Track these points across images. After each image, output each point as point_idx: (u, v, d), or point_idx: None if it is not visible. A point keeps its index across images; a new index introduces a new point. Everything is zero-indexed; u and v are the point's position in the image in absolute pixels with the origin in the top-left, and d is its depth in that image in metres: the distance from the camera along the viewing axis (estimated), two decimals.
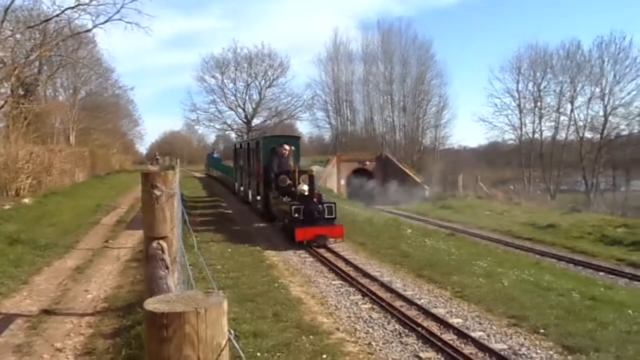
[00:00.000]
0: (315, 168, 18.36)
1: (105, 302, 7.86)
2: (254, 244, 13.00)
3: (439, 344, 6.48)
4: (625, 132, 44.82)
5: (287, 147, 16.55)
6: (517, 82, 49.19)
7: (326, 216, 13.10)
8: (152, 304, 1.35)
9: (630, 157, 42.97)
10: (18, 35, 28.92)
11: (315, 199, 13.27)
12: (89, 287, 8.80)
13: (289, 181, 15.08)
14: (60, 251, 11.78)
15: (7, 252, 10.78)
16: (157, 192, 3.36)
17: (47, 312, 7.43)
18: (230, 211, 20.40)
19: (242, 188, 23.19)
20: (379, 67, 59.79)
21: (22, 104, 25.40)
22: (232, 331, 1.42)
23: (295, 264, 11.20)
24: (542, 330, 6.92)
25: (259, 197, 18.17)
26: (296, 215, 12.93)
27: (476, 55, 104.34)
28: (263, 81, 61.95)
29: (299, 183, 14.25)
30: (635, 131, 44.30)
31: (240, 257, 11.45)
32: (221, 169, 38.64)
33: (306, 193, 13.40)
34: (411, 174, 44.49)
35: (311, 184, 13.47)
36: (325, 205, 13.27)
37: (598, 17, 79.15)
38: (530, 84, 48.62)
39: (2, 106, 24.82)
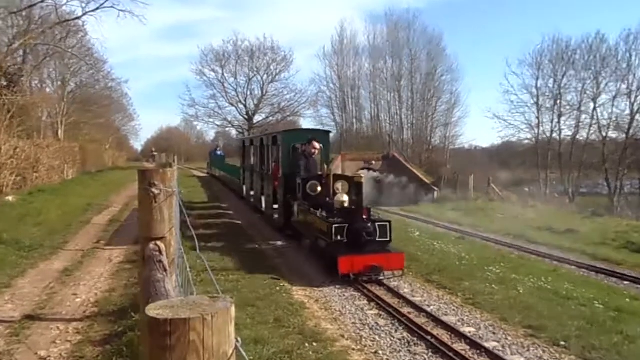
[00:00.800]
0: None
1: (96, 307, 7.84)
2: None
3: (450, 354, 6.44)
4: None
5: (317, 145, 13.67)
6: (537, 79, 49.01)
7: (378, 238, 10.06)
8: (155, 310, 1.32)
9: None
10: (0, 22, 28.89)
11: (363, 215, 10.20)
12: (77, 291, 8.79)
13: (320, 189, 12.45)
14: (46, 252, 11.78)
15: None
16: (155, 191, 3.34)
17: (30, 317, 7.40)
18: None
19: (252, 192, 20.40)
20: (387, 62, 59.73)
21: (5, 95, 25.35)
22: (239, 339, 1.39)
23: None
24: (562, 343, 6.87)
25: (276, 206, 15.35)
26: (338, 237, 9.95)
27: (489, 49, 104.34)
28: (265, 76, 61.87)
29: (336, 191, 11.84)
30: None
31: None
32: (226, 169, 36.17)
33: (346, 204, 10.89)
34: (420, 175, 44.47)
35: (358, 193, 10.35)
36: (377, 224, 10.16)
37: (625, 9, 78.89)
38: (551, 81, 48.40)
39: None
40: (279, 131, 19.37)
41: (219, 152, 46.89)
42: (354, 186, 10.67)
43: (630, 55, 44.48)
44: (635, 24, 61.92)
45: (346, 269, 9.48)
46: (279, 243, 13.65)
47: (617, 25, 77.67)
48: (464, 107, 59.25)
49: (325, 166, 13.08)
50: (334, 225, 10.01)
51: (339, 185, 12.01)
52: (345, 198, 10.99)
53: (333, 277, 9.82)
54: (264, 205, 17.24)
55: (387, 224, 10.30)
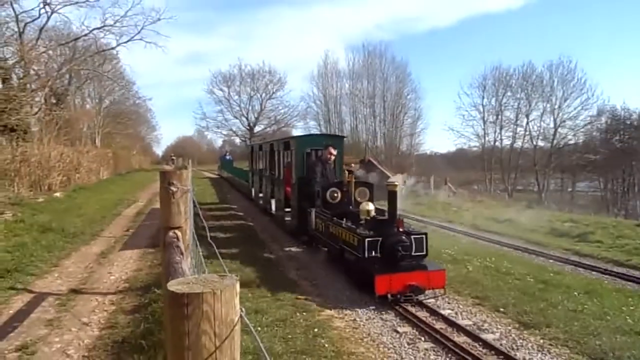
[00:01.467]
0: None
1: (126, 283, 7.81)
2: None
3: (415, 320, 6.47)
4: (572, 142, 45.70)
5: (333, 151, 11.01)
6: (482, 98, 49.52)
7: (414, 253, 7.49)
8: (174, 286, 1.33)
9: (576, 163, 43.85)
10: (51, 52, 28.74)
11: (399, 227, 7.57)
12: (111, 270, 8.74)
13: (340, 196, 9.95)
14: (86, 238, 11.69)
15: (40, 239, 10.69)
16: (173, 189, 3.33)
17: (75, 291, 7.37)
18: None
19: (260, 195, 17.88)
20: (363, 84, 59.61)
21: (54, 111, 25.26)
22: (243, 309, 1.41)
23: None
24: (501, 309, 6.93)
25: (288, 210, 12.59)
26: (372, 252, 7.38)
27: (446, 73, 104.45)
28: (264, 94, 62.17)
29: (357, 199, 9.65)
30: (580, 141, 45.20)
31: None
32: (234, 172, 33.16)
33: (372, 214, 8.27)
34: (390, 175, 44.52)
35: (392, 202, 7.69)
36: (413, 236, 7.54)
37: (550, 43, 79.66)
38: (493, 100, 49.07)
39: (37, 113, 24.61)
40: (292, 136, 17.15)
41: (228, 157, 44.82)
42: (390, 195, 7.68)
43: (553, 81, 45.89)
44: (556, 56, 62.76)
45: (384, 289, 6.96)
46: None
47: (543, 56, 78.26)
48: (425, 120, 59.69)
49: (347, 172, 10.56)
50: (366, 239, 7.39)
51: (359, 191, 9.80)
52: (371, 207, 8.35)
53: (365, 295, 7.35)
54: (273, 207, 15.04)
55: (424, 236, 7.62)
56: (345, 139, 13.64)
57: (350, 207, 9.47)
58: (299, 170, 11.76)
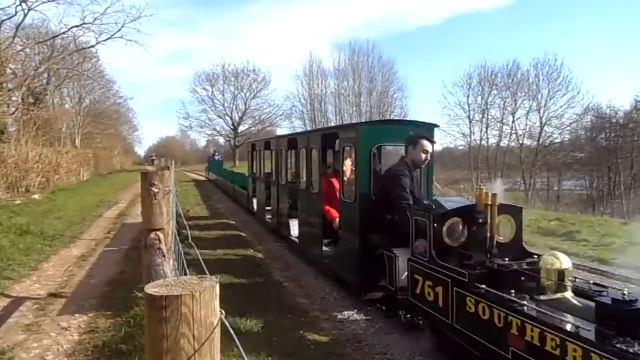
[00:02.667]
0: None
1: (107, 286, 7.72)
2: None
3: None
4: (557, 140, 46.12)
5: (429, 145, 6.28)
6: (468, 97, 49.85)
7: None
8: (152, 288, 1.33)
9: (562, 161, 44.35)
10: (28, 50, 28.47)
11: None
12: (92, 273, 8.64)
13: (467, 233, 4.68)
14: (66, 241, 11.55)
15: (17, 242, 10.54)
16: (154, 189, 3.31)
17: (54, 295, 7.27)
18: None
19: (268, 208, 13.25)
20: (349, 82, 59.88)
21: (32, 110, 24.94)
22: (223, 312, 1.40)
23: None
24: None
25: (327, 241, 8.20)
26: None
27: (433, 71, 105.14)
28: (248, 93, 62.28)
29: (499, 238, 4.60)
30: (566, 139, 45.73)
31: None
32: (227, 176, 26.08)
33: (570, 277, 3.73)
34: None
35: (519, 230, 4.78)
36: None
37: (537, 41, 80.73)
38: (479, 98, 49.44)
39: (14, 112, 24.33)
40: (343, 126, 12.78)
41: (217, 157, 39.52)
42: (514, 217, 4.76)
43: (539, 79, 46.40)
44: (542, 54, 63.43)
45: None
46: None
47: (530, 55, 79.17)
48: (412, 119, 59.60)
49: (480, 188, 4.83)
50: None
51: (503, 223, 4.79)
52: (565, 262, 3.72)
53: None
54: (293, 231, 10.28)
55: None
56: (437, 127, 7.32)
57: (489, 254, 4.52)
58: (363, 181, 6.73)
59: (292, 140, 10.91)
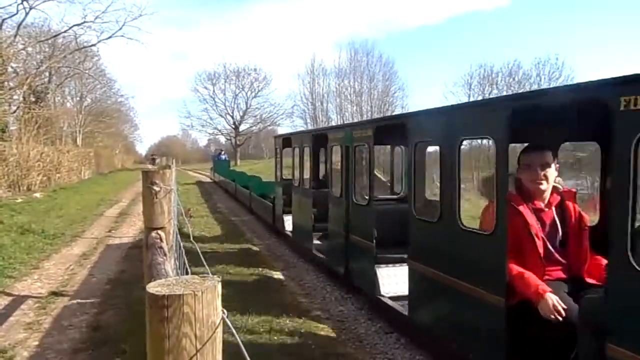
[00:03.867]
0: None
1: (108, 285, 7.73)
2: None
3: None
4: None
5: None
6: (469, 97, 49.85)
7: None
8: (154, 287, 1.32)
9: (563, 161, 44.47)
10: (29, 49, 28.46)
11: None
12: (93, 272, 8.65)
13: None
14: (67, 240, 11.56)
15: (19, 240, 10.56)
16: (156, 188, 3.30)
17: (55, 293, 7.28)
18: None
19: (304, 230, 9.47)
20: (350, 81, 59.89)
21: (33, 109, 24.93)
22: (225, 311, 1.39)
23: None
24: None
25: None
26: None
27: (434, 70, 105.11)
28: (249, 92, 62.10)
29: None
30: None
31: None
32: (239, 179, 20.92)
33: None
34: (377, 174, 44.74)
35: None
36: None
37: (539, 41, 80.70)
38: (480, 98, 49.45)
39: (15, 111, 24.35)
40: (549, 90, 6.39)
41: (223, 157, 35.89)
42: None
43: (540, 79, 46.19)
44: (544, 54, 63.42)
45: None
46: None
47: (529, 54, 79.20)
48: None
49: None
50: None
51: None
52: None
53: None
54: (385, 290, 5.98)
55: None
56: None
57: None
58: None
59: (376, 130, 6.50)
